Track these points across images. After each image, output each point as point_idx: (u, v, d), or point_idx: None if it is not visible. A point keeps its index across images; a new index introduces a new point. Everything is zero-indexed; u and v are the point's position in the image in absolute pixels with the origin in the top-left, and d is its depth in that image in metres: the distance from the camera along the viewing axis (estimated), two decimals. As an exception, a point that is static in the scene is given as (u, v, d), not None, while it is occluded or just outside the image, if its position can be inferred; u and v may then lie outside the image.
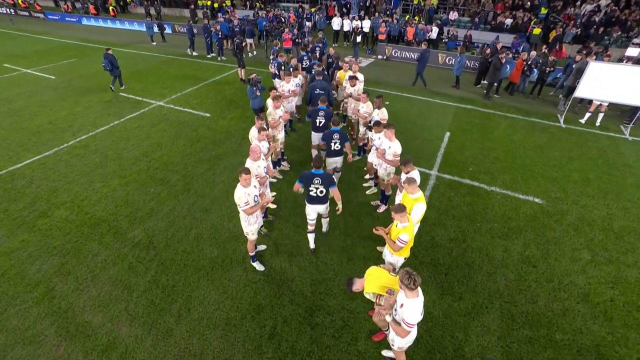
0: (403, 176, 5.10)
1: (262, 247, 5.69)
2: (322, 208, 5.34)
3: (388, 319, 3.44)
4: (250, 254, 5.27)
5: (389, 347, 4.22)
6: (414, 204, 4.42)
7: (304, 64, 10.52)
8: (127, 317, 4.65)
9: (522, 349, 4.28)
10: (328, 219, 5.85)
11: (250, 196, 4.61)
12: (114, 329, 4.50)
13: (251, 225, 4.88)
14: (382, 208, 6.54)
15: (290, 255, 5.60)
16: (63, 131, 9.72)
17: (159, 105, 11.48)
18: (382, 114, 6.88)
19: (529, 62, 11.71)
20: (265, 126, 6.20)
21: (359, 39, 16.89)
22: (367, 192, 7.07)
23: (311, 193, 5.09)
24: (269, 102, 7.25)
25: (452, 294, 4.98)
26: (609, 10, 19.84)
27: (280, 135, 7.27)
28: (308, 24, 18.06)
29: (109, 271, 5.34)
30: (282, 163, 7.88)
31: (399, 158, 5.66)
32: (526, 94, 12.52)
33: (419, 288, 3.18)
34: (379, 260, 5.24)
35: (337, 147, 6.31)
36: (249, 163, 5.24)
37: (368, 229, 5.97)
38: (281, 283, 5.14)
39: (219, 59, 16.87)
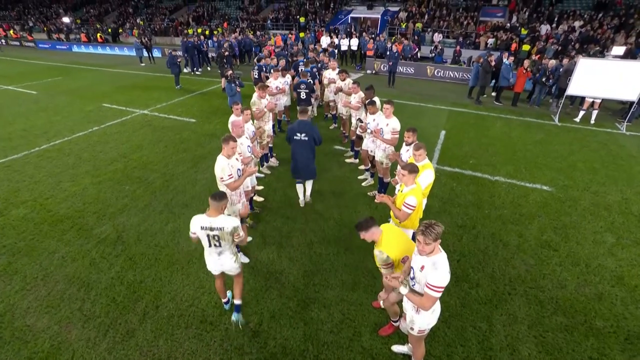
0: (404, 149, 4.60)
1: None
2: None
3: (403, 290, 2.74)
4: (233, 242, 4.54)
5: (400, 342, 3.48)
6: (422, 171, 3.87)
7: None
8: (81, 318, 3.80)
9: (559, 337, 3.56)
10: None
11: (233, 168, 4.01)
12: (61, 332, 3.64)
13: (234, 205, 4.21)
14: (381, 197, 5.94)
15: (279, 247, 4.89)
16: (37, 137, 9.06)
17: (143, 113, 10.99)
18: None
19: (552, 71, 11.06)
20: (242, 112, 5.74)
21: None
22: (363, 184, 6.50)
23: None
24: (255, 94, 6.84)
25: (467, 280, 4.30)
26: (583, 30, 20.91)
27: (267, 127, 6.79)
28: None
29: (66, 269, 4.52)
30: (270, 159, 7.33)
31: (397, 135, 5.18)
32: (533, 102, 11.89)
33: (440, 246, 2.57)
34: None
35: None
36: (231, 139, 4.67)
37: (367, 217, 5.33)
38: (268, 275, 4.39)
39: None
